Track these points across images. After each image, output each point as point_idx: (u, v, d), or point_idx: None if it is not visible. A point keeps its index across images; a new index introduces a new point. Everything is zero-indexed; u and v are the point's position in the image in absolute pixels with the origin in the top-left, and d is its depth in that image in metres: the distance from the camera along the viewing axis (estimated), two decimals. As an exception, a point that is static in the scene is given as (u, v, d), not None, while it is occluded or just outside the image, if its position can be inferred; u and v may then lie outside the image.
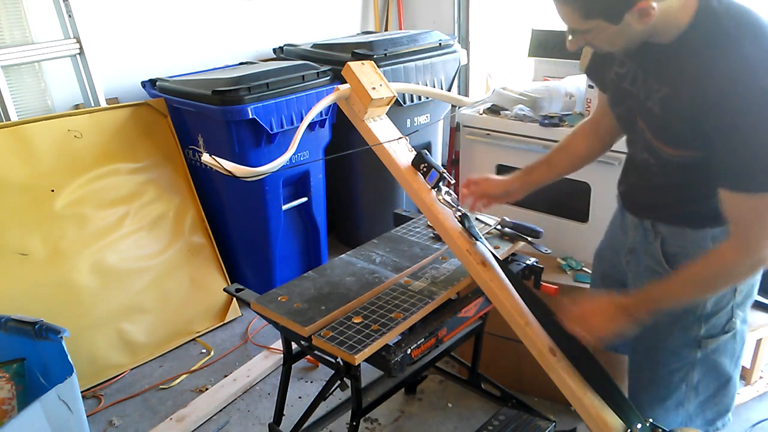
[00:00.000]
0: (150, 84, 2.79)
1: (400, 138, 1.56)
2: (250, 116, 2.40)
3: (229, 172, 1.29)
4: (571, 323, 1.28)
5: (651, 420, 1.30)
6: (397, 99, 1.68)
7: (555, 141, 2.67)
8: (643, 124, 1.23)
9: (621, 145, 1.43)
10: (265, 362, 2.44)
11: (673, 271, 1.26)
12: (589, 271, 1.96)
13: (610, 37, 1.09)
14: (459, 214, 1.46)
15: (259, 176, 1.34)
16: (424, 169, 1.48)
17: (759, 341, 2.07)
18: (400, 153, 1.54)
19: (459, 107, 2.68)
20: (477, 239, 1.44)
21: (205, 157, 1.30)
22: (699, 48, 1.06)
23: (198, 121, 2.62)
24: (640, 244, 1.40)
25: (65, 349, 1.65)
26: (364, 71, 1.51)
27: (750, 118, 1.01)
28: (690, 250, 1.29)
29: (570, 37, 1.14)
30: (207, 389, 2.30)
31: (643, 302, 1.24)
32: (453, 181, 1.51)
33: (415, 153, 1.51)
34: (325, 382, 1.58)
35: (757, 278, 1.32)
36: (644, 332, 1.34)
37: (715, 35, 1.04)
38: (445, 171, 1.46)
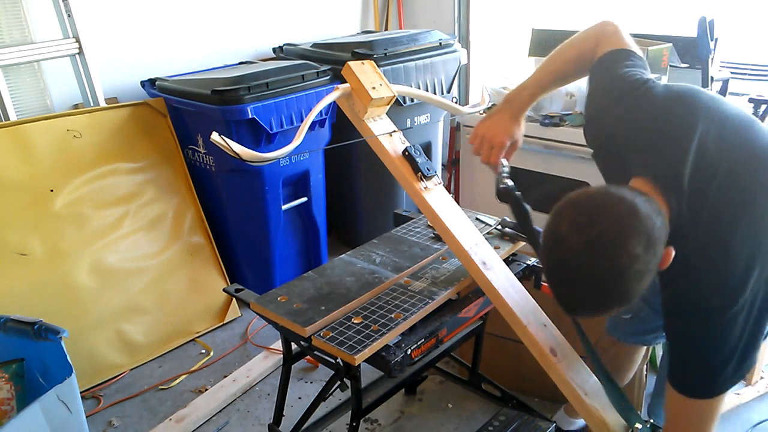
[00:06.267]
0: (149, 84, 2.79)
1: (394, 131, 1.55)
2: (250, 116, 2.39)
3: (237, 154, 1.29)
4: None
5: (651, 420, 1.31)
6: (397, 99, 1.67)
7: (555, 141, 2.67)
8: None
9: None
10: (264, 363, 2.43)
11: None
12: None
13: None
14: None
15: (265, 162, 1.34)
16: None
17: (759, 341, 2.06)
18: (398, 148, 1.54)
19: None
20: None
21: (214, 136, 1.30)
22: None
23: (197, 121, 2.61)
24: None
25: (64, 349, 1.64)
26: (364, 71, 1.51)
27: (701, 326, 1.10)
28: None
29: None
30: (206, 390, 2.30)
31: None
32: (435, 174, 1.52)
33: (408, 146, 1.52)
34: (325, 383, 1.58)
35: None
36: None
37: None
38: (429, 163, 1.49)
